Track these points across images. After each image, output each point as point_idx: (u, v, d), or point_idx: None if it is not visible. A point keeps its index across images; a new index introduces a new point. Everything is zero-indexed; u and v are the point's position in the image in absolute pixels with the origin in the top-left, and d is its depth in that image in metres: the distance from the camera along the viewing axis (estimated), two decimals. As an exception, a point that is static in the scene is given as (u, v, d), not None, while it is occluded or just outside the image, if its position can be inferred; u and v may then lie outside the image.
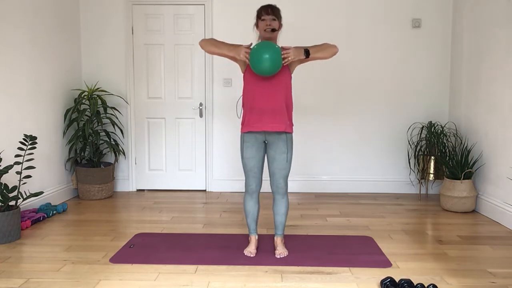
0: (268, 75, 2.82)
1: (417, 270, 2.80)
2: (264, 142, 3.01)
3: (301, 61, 2.99)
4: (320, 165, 5.09)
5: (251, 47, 2.84)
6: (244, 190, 3.14)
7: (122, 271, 2.78)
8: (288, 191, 4.98)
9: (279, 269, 2.81)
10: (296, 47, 2.88)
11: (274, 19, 2.91)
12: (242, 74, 3.02)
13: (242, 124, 3.00)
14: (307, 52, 2.88)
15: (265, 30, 2.91)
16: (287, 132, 2.97)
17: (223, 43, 2.95)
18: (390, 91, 5.00)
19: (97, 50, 5.03)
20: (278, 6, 3.01)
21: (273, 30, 2.91)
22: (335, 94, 5.01)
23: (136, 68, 5.05)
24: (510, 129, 3.78)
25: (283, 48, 2.86)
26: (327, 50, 2.95)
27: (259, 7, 2.99)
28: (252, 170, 3.01)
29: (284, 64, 2.85)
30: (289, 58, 2.81)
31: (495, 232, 3.61)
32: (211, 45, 2.94)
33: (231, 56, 2.91)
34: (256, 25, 3.00)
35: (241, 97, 3.04)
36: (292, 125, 3.00)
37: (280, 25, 2.98)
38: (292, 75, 3.22)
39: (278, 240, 3.10)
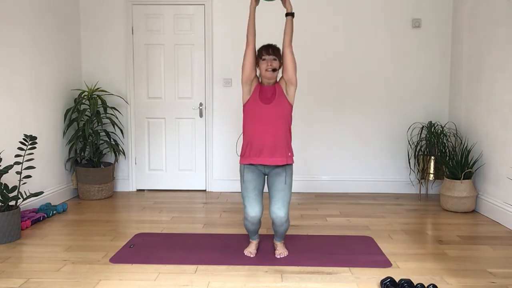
0: None
1: (417, 270, 2.80)
2: (264, 174, 3.01)
3: (287, 79, 2.92)
4: (320, 165, 5.09)
5: None
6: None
7: (122, 271, 2.78)
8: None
9: (279, 269, 2.81)
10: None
11: (275, 59, 2.91)
12: (243, 105, 2.98)
13: (242, 156, 2.98)
14: (292, 14, 2.96)
15: (266, 70, 2.91)
16: (287, 165, 2.96)
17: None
18: (390, 91, 5.00)
19: (97, 50, 5.03)
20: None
21: (274, 70, 2.91)
22: (335, 94, 5.01)
23: (136, 68, 5.05)
24: (510, 129, 3.79)
25: None
26: (292, 32, 2.99)
27: (259, 46, 2.96)
28: (253, 192, 2.92)
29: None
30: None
31: (495, 232, 3.61)
32: (248, 27, 2.94)
33: (251, 8, 2.91)
34: (257, 63, 2.97)
35: (241, 135, 3.04)
36: (293, 155, 2.99)
37: (281, 64, 2.97)
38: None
39: (278, 242, 3.10)
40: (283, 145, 2.91)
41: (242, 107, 3.05)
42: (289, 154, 2.95)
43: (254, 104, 2.92)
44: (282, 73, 2.96)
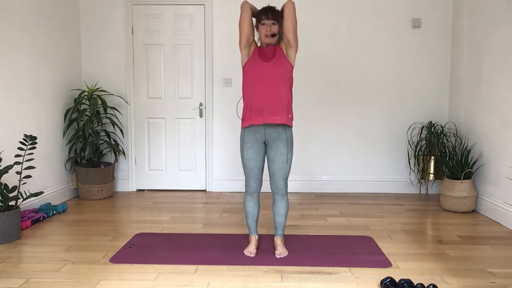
0: None
1: (417, 270, 2.80)
2: (264, 142, 3.01)
3: (287, 42, 2.91)
4: (320, 165, 5.09)
5: None
6: (244, 190, 3.15)
7: (122, 271, 2.78)
8: (288, 191, 5.01)
9: (279, 269, 2.81)
10: None
11: (274, 24, 2.89)
12: (242, 68, 2.98)
13: (243, 119, 2.98)
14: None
15: (265, 36, 2.90)
16: (287, 127, 2.96)
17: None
18: (390, 91, 5.00)
19: (97, 50, 5.03)
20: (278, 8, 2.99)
21: (273, 35, 2.90)
22: (335, 94, 5.01)
23: (136, 68, 5.05)
24: (510, 129, 3.78)
25: None
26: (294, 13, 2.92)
27: (259, 9, 2.97)
28: (252, 171, 3.00)
29: None
30: None
31: (495, 232, 3.61)
32: (242, 10, 2.91)
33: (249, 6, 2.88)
34: (256, 27, 2.98)
35: (241, 99, 3.02)
36: (292, 119, 2.99)
37: (280, 28, 2.97)
38: (293, 71, 3.18)
39: (278, 240, 3.10)
40: (283, 105, 2.90)
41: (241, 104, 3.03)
42: (289, 116, 2.95)
43: (254, 63, 2.90)
44: (282, 34, 2.92)
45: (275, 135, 2.95)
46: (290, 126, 2.98)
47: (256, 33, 3.02)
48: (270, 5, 2.97)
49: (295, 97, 4.96)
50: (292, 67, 2.96)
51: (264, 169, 4.79)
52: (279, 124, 2.92)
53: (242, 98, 3.01)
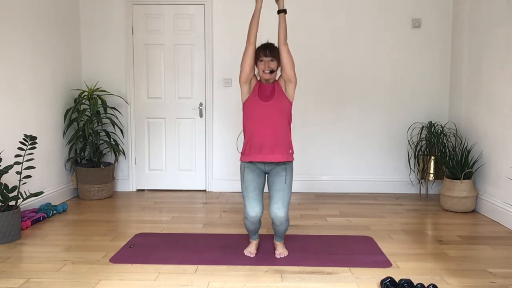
0: None
1: (417, 270, 2.80)
2: (265, 173, 3.01)
3: (286, 78, 2.91)
4: (320, 165, 5.09)
5: None
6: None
7: (122, 271, 2.78)
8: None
9: (279, 269, 2.81)
10: None
11: (273, 60, 2.88)
12: (242, 103, 2.98)
13: (242, 154, 2.98)
14: (284, 11, 2.87)
15: (263, 72, 2.89)
16: (288, 162, 2.96)
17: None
18: (390, 91, 5.00)
19: (97, 50, 5.03)
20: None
21: (272, 71, 2.89)
22: (335, 94, 5.01)
23: (136, 68, 5.05)
24: (510, 129, 3.78)
25: None
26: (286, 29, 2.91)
27: (257, 47, 2.93)
28: (253, 192, 2.92)
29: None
30: None
31: (495, 232, 3.61)
32: (251, 24, 2.89)
33: (257, 6, 2.87)
34: (255, 63, 2.95)
35: (241, 133, 3.03)
36: (293, 153, 2.99)
37: (279, 64, 2.94)
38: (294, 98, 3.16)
39: (278, 242, 3.10)
40: (283, 142, 2.91)
41: (241, 106, 3.03)
42: (290, 151, 2.95)
43: (254, 102, 2.91)
44: (281, 71, 2.94)
45: (275, 168, 2.96)
46: (291, 161, 2.98)
47: (256, 69, 2.99)
48: (269, 41, 2.97)
49: (296, 97, 4.95)
50: (291, 104, 2.96)
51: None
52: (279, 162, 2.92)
53: (242, 133, 3.02)
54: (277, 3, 2.90)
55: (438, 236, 3.50)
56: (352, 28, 4.94)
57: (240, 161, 3.02)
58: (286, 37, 2.87)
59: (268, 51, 2.88)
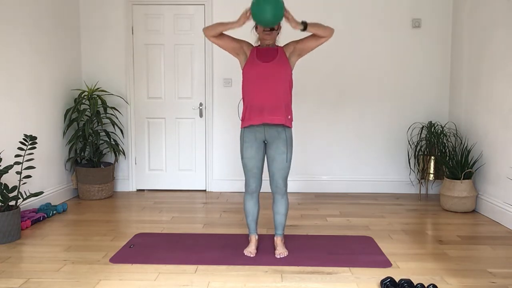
0: (269, 25, 2.72)
1: (417, 270, 2.80)
2: (264, 142, 3.01)
3: (299, 53, 2.94)
4: (320, 165, 5.09)
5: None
6: (244, 190, 3.14)
7: (122, 271, 2.78)
8: (288, 191, 5.01)
9: (279, 269, 2.81)
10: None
11: (273, 29, 2.89)
12: (241, 70, 3.00)
13: (242, 119, 2.99)
14: (304, 25, 2.78)
15: (263, 30, 2.89)
16: (286, 127, 2.96)
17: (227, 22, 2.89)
18: (390, 91, 5.00)
19: (97, 50, 5.03)
20: None
21: (272, 29, 2.89)
22: (335, 94, 5.01)
23: (136, 68, 5.05)
24: (510, 129, 3.79)
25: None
26: (325, 28, 2.85)
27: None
28: (252, 170, 3.01)
29: (286, 17, 2.75)
30: (289, 17, 2.74)
31: (495, 232, 3.61)
32: (215, 27, 2.86)
33: (234, 26, 2.82)
34: (255, 26, 2.98)
35: (241, 100, 3.04)
36: (292, 120, 2.99)
37: (279, 27, 2.96)
38: (292, 73, 3.20)
39: (278, 240, 3.10)
40: (283, 105, 2.90)
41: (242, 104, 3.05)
42: (289, 116, 2.95)
43: (253, 64, 2.90)
44: (300, 44, 2.93)
45: (274, 134, 2.95)
46: (290, 127, 2.99)
47: (255, 34, 3.03)
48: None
49: (296, 97, 4.96)
50: (291, 70, 2.97)
51: (264, 169, 4.79)
52: (278, 124, 2.92)
53: (242, 100, 3.02)
54: (292, 26, 2.81)
55: (438, 236, 3.50)
56: (352, 28, 4.94)
57: (240, 129, 3.03)
58: (325, 31, 2.83)
59: None
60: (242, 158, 3.02)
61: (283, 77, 2.90)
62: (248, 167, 3.00)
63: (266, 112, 2.89)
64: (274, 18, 2.68)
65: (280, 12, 2.68)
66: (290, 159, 3.00)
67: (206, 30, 2.91)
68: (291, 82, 2.96)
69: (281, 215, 3.07)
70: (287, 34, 3.62)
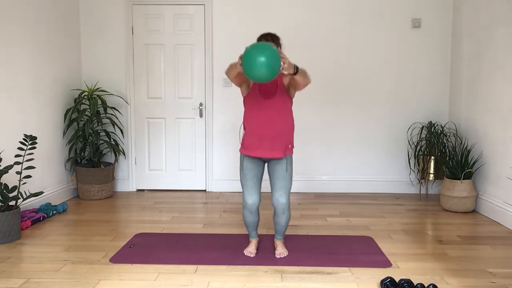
0: (263, 82, 2.53)
1: (417, 270, 2.80)
2: (264, 162, 3.01)
3: (288, 83, 2.92)
4: (320, 165, 5.09)
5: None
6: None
7: (122, 271, 2.78)
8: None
9: (279, 269, 2.81)
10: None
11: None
12: (243, 98, 2.98)
13: (242, 145, 2.97)
14: (296, 69, 2.64)
15: None
16: (287, 156, 2.96)
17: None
18: (390, 91, 5.00)
19: (97, 50, 5.03)
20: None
21: None
22: (335, 94, 5.01)
23: (136, 68, 5.05)
24: (510, 129, 3.79)
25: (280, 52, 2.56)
26: (306, 77, 2.77)
27: (259, 36, 2.93)
28: (251, 180, 2.93)
29: (282, 72, 2.59)
30: (285, 66, 2.53)
31: (495, 232, 3.61)
32: (232, 69, 2.76)
33: (237, 70, 2.68)
34: None
35: (242, 124, 3.01)
36: (293, 147, 2.99)
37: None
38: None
39: (278, 241, 3.10)
40: (283, 138, 2.89)
41: (242, 105, 3.03)
42: (289, 146, 2.94)
43: (254, 98, 2.89)
44: (291, 86, 2.88)
45: (274, 161, 2.95)
46: (291, 154, 2.97)
47: None
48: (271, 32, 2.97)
49: (296, 97, 4.95)
50: (292, 99, 2.96)
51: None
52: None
53: (243, 124, 3.01)
54: (286, 73, 2.63)
55: (438, 236, 3.50)
56: (352, 28, 4.94)
57: (240, 153, 3.02)
58: (305, 80, 2.75)
59: (270, 37, 2.87)
60: (241, 171, 2.97)
61: (282, 110, 2.89)
62: (248, 177, 2.93)
63: (266, 144, 2.86)
64: (271, 76, 2.47)
65: (277, 68, 2.44)
66: (291, 173, 2.95)
67: (228, 74, 2.85)
68: (291, 111, 2.96)
69: (282, 226, 3.03)
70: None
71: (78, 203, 4.58)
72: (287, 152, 2.92)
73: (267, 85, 2.90)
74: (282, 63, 2.51)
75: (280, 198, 2.90)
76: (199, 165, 5.14)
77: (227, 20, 4.96)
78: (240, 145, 3.03)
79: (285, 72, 2.57)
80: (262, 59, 2.41)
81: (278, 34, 2.99)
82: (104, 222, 3.88)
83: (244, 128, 2.98)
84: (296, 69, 2.62)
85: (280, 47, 2.93)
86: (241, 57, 2.51)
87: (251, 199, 2.92)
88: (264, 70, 2.43)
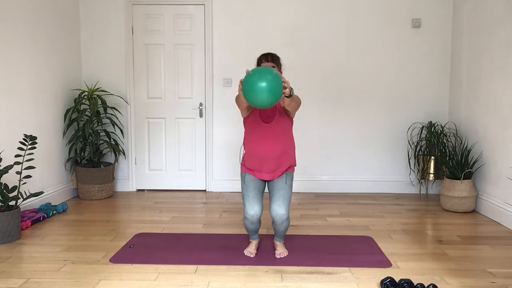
0: (265, 107, 2.48)
1: (417, 270, 2.80)
2: (265, 181, 3.01)
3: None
4: (320, 165, 5.09)
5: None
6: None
7: (122, 271, 2.78)
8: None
9: (279, 269, 2.81)
10: None
11: (274, 67, 2.88)
12: (243, 119, 2.98)
13: (243, 164, 2.98)
14: (291, 91, 2.64)
15: None
16: (288, 172, 2.96)
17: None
18: (390, 91, 5.00)
19: (97, 50, 5.03)
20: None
21: None
22: (335, 94, 5.01)
23: (136, 68, 5.05)
24: (510, 129, 3.79)
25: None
26: (298, 100, 2.83)
27: (259, 55, 2.94)
28: (253, 191, 2.91)
29: (283, 95, 2.58)
30: (286, 91, 2.52)
31: (495, 232, 3.61)
32: (240, 99, 2.80)
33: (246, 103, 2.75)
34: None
35: (243, 145, 3.02)
36: (295, 164, 2.99)
37: (281, 72, 2.93)
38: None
39: (278, 242, 3.10)
40: (284, 161, 2.91)
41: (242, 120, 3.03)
42: (291, 163, 2.96)
43: (254, 122, 2.90)
44: (286, 110, 2.88)
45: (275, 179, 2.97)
46: (292, 171, 2.98)
47: None
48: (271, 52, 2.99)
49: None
50: (292, 119, 2.97)
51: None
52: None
53: (243, 145, 3.01)
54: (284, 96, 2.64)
55: (438, 236, 3.50)
56: (352, 28, 4.94)
57: (240, 171, 3.03)
58: (297, 105, 2.82)
59: (270, 57, 2.89)
60: (243, 183, 2.96)
61: (282, 133, 2.89)
62: (249, 188, 2.91)
63: (267, 167, 2.87)
64: (271, 104, 2.42)
65: (278, 95, 2.39)
66: (290, 186, 2.94)
67: (236, 103, 2.89)
68: (291, 130, 2.96)
69: (281, 232, 3.01)
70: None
71: (78, 203, 4.58)
72: (288, 170, 2.94)
73: (267, 109, 2.89)
74: (284, 86, 2.48)
75: (279, 209, 2.85)
76: (199, 165, 5.14)
77: (227, 20, 4.96)
78: (240, 165, 3.01)
79: (288, 93, 2.55)
80: (264, 84, 2.34)
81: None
82: (104, 222, 3.88)
83: (245, 149, 2.98)
84: (291, 91, 2.61)
85: (281, 67, 2.93)
86: (241, 82, 2.48)
87: (253, 210, 2.88)
88: (265, 97, 2.36)
